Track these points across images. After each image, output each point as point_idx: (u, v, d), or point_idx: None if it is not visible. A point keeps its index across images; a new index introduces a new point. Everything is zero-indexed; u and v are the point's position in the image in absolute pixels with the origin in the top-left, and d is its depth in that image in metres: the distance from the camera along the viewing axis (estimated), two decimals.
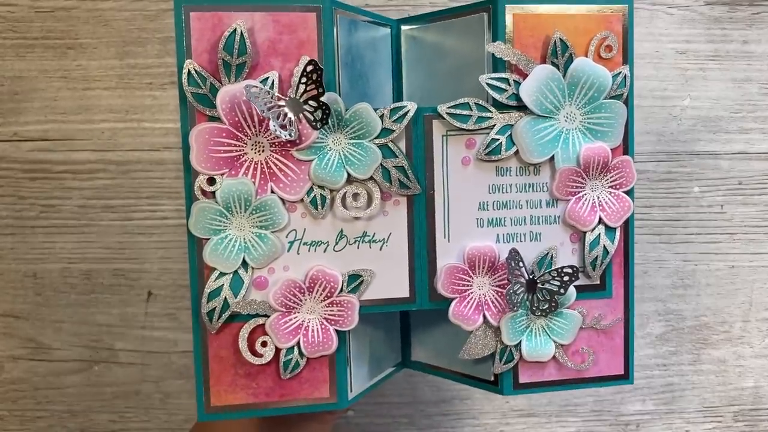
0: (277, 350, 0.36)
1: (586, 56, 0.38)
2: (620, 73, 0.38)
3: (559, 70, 0.37)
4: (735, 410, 0.58)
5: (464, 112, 0.37)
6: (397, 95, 0.43)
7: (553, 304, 0.37)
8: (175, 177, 0.56)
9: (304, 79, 0.34)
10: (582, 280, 0.39)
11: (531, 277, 0.38)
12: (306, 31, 0.35)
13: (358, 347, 0.40)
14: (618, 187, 0.38)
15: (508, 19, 0.37)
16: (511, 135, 0.37)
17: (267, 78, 0.35)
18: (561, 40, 0.37)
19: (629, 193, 0.39)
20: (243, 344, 0.36)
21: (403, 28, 0.43)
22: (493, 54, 0.37)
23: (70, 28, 0.56)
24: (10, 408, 0.56)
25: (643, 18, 0.57)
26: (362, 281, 0.37)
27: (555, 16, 0.37)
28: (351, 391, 0.39)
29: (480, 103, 0.37)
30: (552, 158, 0.38)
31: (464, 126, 0.37)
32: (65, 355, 0.55)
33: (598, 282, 0.39)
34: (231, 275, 0.35)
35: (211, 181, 0.35)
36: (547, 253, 0.38)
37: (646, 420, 0.57)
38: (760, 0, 0.57)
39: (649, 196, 0.57)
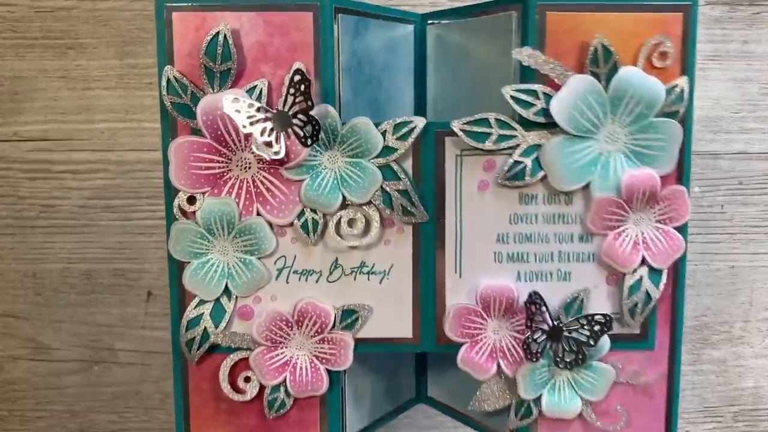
0: (262, 387, 0.33)
1: (635, 65, 0.32)
2: (676, 86, 0.32)
3: (599, 81, 0.31)
4: (735, 410, 0.58)
5: (483, 130, 0.32)
6: (419, 103, 0.39)
7: (581, 357, 0.32)
8: None
9: (292, 90, 0.30)
10: (618, 329, 0.34)
11: (556, 323, 0.32)
12: (300, 33, 0.31)
13: (355, 387, 0.36)
14: (667, 221, 0.33)
15: (540, 20, 0.31)
16: (538, 157, 0.32)
17: (254, 87, 0.31)
18: (603, 45, 0.31)
19: (681, 229, 0.33)
20: (224, 380, 0.33)
21: (429, 24, 0.37)
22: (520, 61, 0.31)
23: (70, 28, 0.56)
24: (9, 408, 0.55)
25: None
26: (357, 317, 0.33)
27: (598, 16, 0.31)
28: None
29: (502, 119, 0.32)
30: (587, 186, 0.32)
31: (482, 145, 0.31)
32: (65, 355, 0.55)
33: (638, 331, 0.34)
34: (212, 303, 0.32)
35: (192, 200, 0.32)
36: (577, 296, 0.33)
37: None
38: (760, 0, 0.57)
39: None
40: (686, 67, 0.32)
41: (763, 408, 0.58)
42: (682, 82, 0.32)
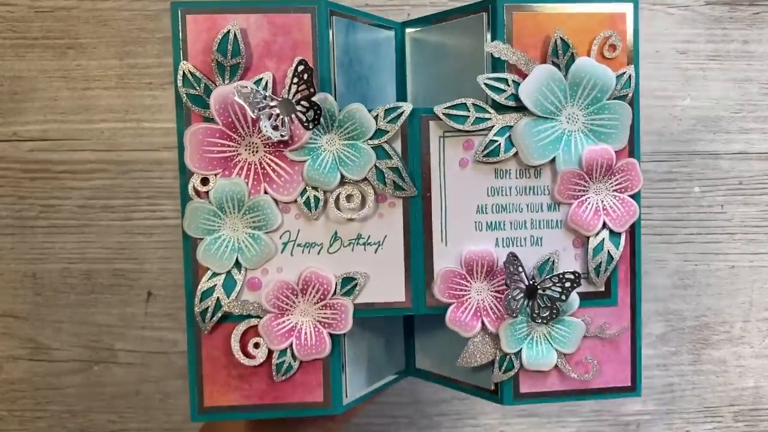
0: (270, 352, 0.36)
1: (589, 56, 0.36)
2: (624, 73, 0.37)
3: (560, 70, 0.36)
4: (735, 410, 0.58)
5: (461, 113, 0.36)
6: (401, 98, 0.43)
7: (555, 311, 0.36)
8: (174, 177, 0.56)
9: (295, 80, 0.34)
10: (586, 287, 0.38)
11: (531, 282, 0.36)
12: (300, 33, 0.35)
13: (355, 352, 0.39)
14: (623, 190, 0.37)
15: (508, 19, 0.36)
16: (510, 136, 0.36)
17: (261, 79, 0.35)
18: (562, 39, 0.36)
19: (635, 197, 0.37)
20: (235, 345, 0.36)
21: (407, 30, 0.42)
22: (492, 54, 0.36)
23: (70, 28, 0.56)
24: (9, 408, 0.55)
25: (644, 18, 0.57)
26: (356, 284, 0.36)
27: (556, 15, 0.36)
28: (346, 396, 0.38)
29: (478, 103, 0.36)
30: (553, 160, 0.36)
31: (461, 127, 0.36)
32: (65, 356, 0.55)
33: (603, 289, 0.38)
34: (224, 275, 0.35)
35: (205, 181, 0.35)
36: (549, 258, 0.37)
37: (646, 420, 0.57)
38: (761, 0, 0.57)
39: (650, 196, 0.57)
40: (632, 57, 0.37)
41: (763, 408, 0.58)
42: (630, 69, 0.37)
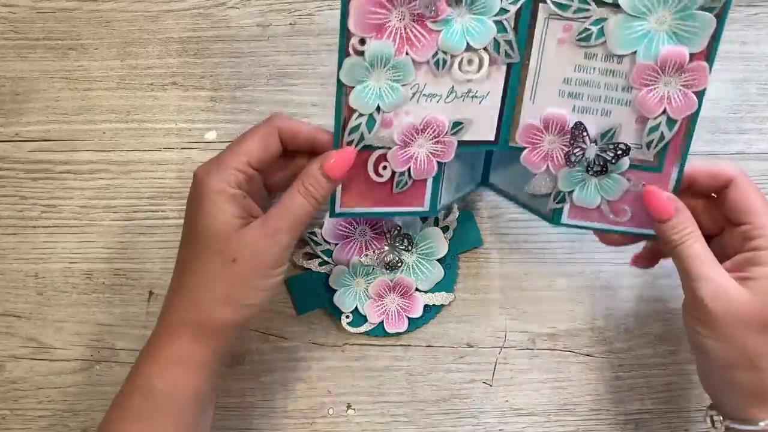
0: (393, 173, 0.47)
1: None
2: None
3: None
4: None
5: (566, 2, 0.42)
6: None
7: (605, 170, 0.45)
8: (176, 177, 0.56)
9: None
10: (638, 155, 0.46)
11: (592, 144, 0.45)
12: None
13: (448, 173, 0.50)
14: (689, 87, 0.43)
15: None
16: (603, 27, 0.42)
17: None
18: None
19: (700, 93, 0.43)
20: (370, 167, 0.47)
21: None
22: None
23: (72, 29, 0.57)
24: (11, 407, 0.56)
25: None
26: (462, 127, 0.46)
27: None
28: (439, 203, 0.50)
29: None
30: (635, 52, 0.43)
31: (564, 13, 0.43)
32: (67, 355, 0.56)
33: (652, 160, 0.46)
34: (367, 116, 0.45)
35: (362, 41, 0.42)
36: (611, 129, 0.45)
37: (645, 419, 0.57)
38: (759, 1, 0.57)
39: None
40: None
41: None
42: None
